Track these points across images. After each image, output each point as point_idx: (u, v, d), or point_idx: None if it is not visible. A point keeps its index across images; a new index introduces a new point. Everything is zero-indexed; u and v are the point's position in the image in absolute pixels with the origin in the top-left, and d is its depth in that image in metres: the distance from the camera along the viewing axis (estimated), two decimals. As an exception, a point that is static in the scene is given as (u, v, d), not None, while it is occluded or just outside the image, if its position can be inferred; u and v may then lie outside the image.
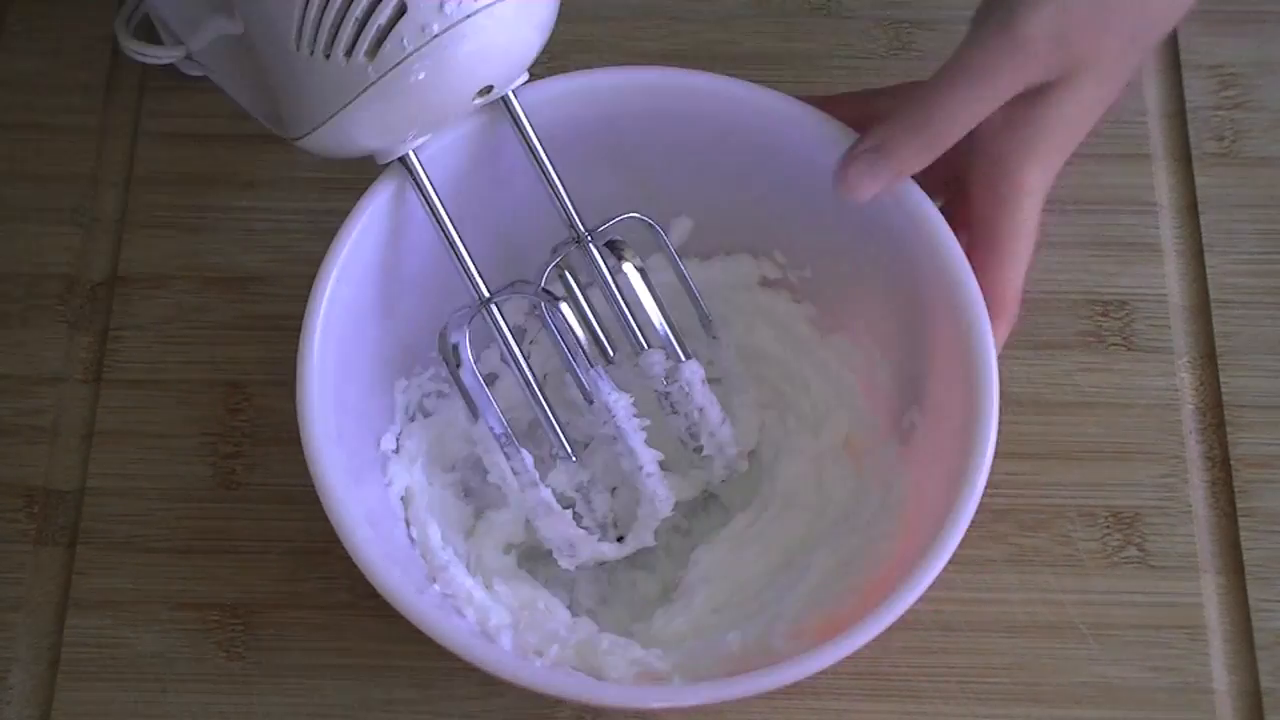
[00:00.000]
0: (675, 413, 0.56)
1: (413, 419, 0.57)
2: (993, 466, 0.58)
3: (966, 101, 0.50)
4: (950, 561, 0.57)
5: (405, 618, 0.48)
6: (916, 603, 0.56)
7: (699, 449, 0.57)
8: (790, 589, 0.54)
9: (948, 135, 0.51)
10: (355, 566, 0.57)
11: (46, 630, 0.57)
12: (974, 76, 0.50)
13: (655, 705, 0.50)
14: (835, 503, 0.57)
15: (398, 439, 0.56)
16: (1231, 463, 0.59)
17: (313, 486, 0.58)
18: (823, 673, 0.56)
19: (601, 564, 0.57)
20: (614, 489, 0.58)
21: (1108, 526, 0.58)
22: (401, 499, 0.56)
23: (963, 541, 0.58)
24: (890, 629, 0.56)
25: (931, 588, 0.57)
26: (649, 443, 0.55)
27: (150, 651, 0.57)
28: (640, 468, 0.55)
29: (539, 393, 0.53)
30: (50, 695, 0.56)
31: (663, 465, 0.56)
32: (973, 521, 0.58)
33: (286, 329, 0.61)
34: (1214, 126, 0.65)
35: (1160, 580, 0.58)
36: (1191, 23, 0.66)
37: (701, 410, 0.56)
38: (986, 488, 0.58)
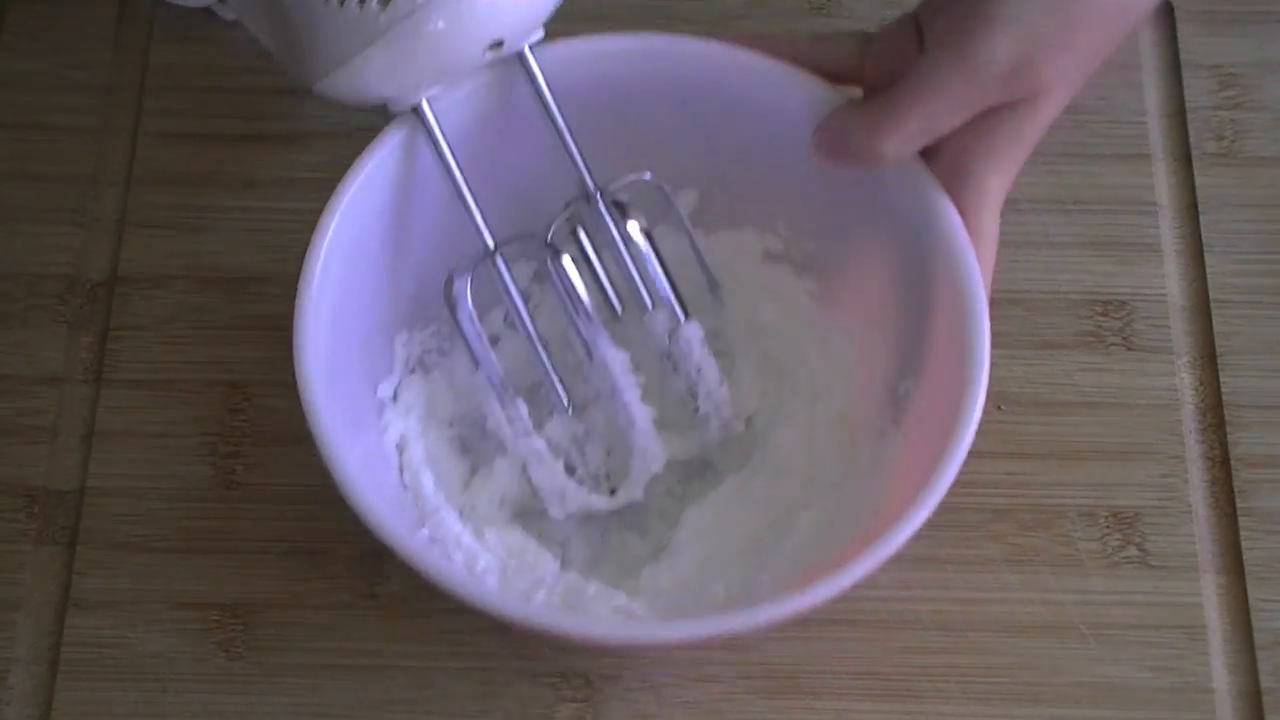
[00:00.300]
0: (676, 372, 0.57)
1: (412, 372, 0.58)
2: (993, 466, 0.59)
3: (921, 126, 0.51)
4: (950, 561, 0.58)
5: (396, 554, 0.48)
6: (917, 603, 0.57)
7: (697, 409, 0.58)
8: (777, 545, 0.55)
9: (901, 154, 0.52)
10: (356, 565, 0.57)
11: (46, 630, 0.57)
12: (930, 103, 0.51)
13: (629, 639, 0.50)
14: (826, 470, 0.57)
15: (395, 389, 0.57)
16: (1231, 463, 0.59)
17: (313, 486, 0.58)
18: (823, 672, 0.56)
19: (594, 524, 0.58)
20: (610, 451, 0.58)
21: (1108, 526, 0.58)
22: (396, 446, 0.56)
23: (963, 541, 0.58)
24: (890, 629, 0.56)
25: (931, 587, 0.57)
26: (645, 400, 0.56)
27: (150, 651, 0.57)
28: (634, 423, 0.56)
29: (538, 342, 0.55)
30: (50, 695, 0.56)
31: (660, 425, 0.57)
32: (973, 521, 0.58)
33: (286, 329, 0.61)
34: (1214, 126, 0.65)
35: (1160, 580, 0.58)
36: (1191, 23, 0.67)
37: (700, 370, 0.57)
38: (987, 487, 0.59)
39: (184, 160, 0.64)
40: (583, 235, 0.55)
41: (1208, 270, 0.62)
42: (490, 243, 0.53)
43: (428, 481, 0.56)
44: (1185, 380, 0.61)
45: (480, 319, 0.55)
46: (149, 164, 0.65)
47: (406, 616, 0.57)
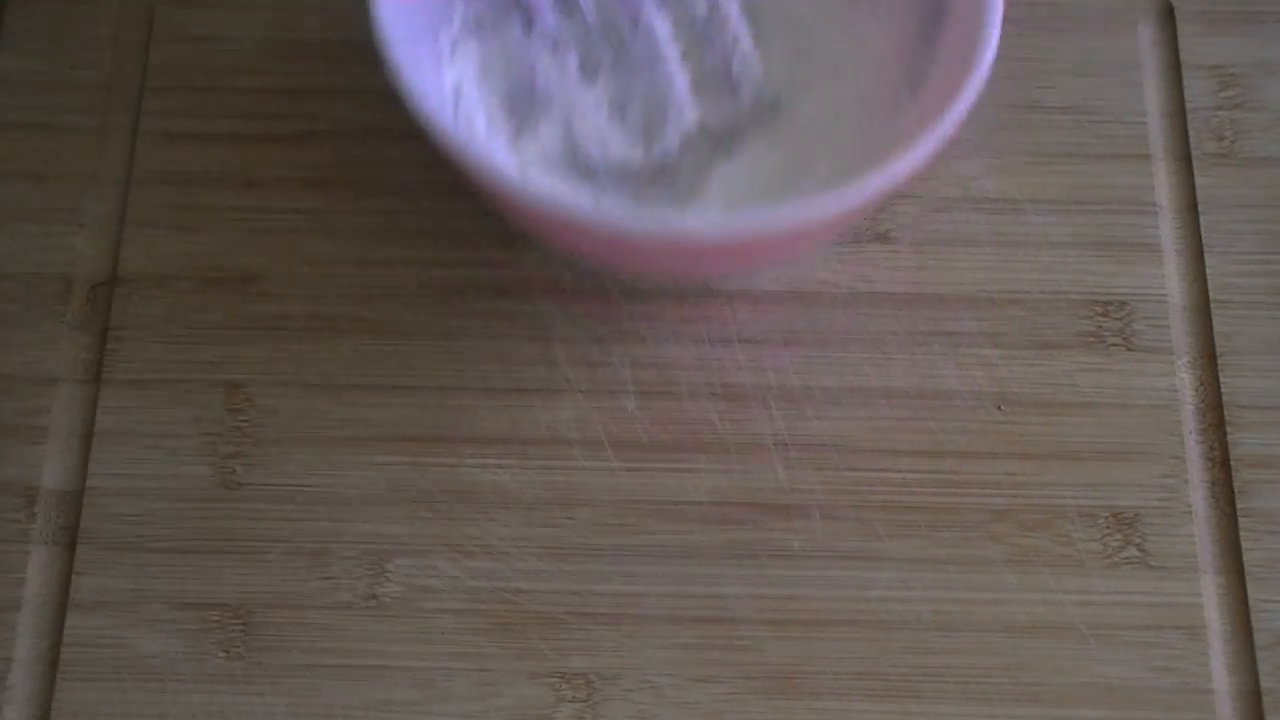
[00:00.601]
0: (713, 48, 0.61)
1: (469, 37, 0.61)
2: (992, 466, 0.59)
3: None
4: (950, 561, 0.57)
5: (458, 158, 0.51)
6: (917, 603, 0.57)
7: (730, 79, 0.61)
8: (801, 184, 0.59)
9: None
10: (356, 565, 0.57)
11: (46, 630, 0.57)
12: None
13: (674, 230, 0.52)
14: (849, 134, 0.60)
15: (453, 45, 0.60)
16: (1231, 463, 0.59)
17: (313, 486, 0.59)
18: (823, 672, 0.56)
19: (629, 186, 0.60)
20: (648, 114, 0.61)
21: (1108, 526, 0.58)
22: (452, 93, 0.60)
23: (963, 541, 0.58)
24: (890, 629, 0.56)
25: (931, 587, 0.57)
26: (683, 63, 0.61)
27: (150, 651, 0.57)
28: (671, 84, 0.60)
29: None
30: (50, 695, 0.56)
31: (695, 93, 0.60)
32: (972, 521, 0.58)
33: (286, 329, 0.61)
34: (1214, 126, 0.65)
35: (1160, 580, 0.58)
36: (1191, 23, 0.67)
37: (735, 39, 0.61)
38: (987, 487, 0.59)
39: (184, 160, 0.64)
40: None
41: (1208, 270, 0.62)
42: None
43: (480, 122, 0.60)
44: (1185, 380, 0.61)
45: None
46: (149, 164, 0.65)
47: (406, 616, 0.57)
